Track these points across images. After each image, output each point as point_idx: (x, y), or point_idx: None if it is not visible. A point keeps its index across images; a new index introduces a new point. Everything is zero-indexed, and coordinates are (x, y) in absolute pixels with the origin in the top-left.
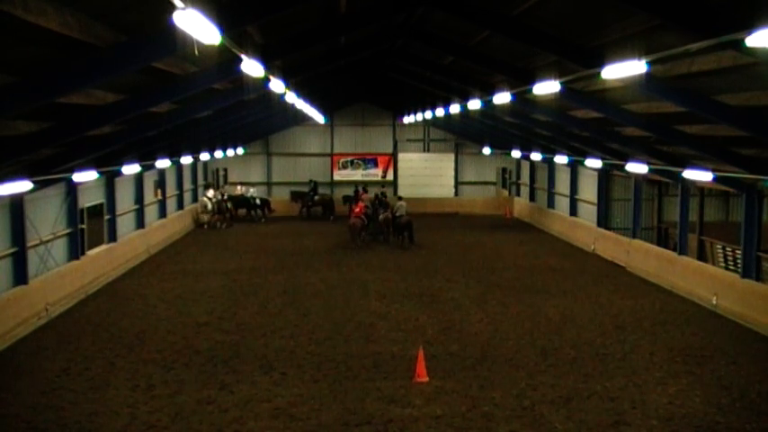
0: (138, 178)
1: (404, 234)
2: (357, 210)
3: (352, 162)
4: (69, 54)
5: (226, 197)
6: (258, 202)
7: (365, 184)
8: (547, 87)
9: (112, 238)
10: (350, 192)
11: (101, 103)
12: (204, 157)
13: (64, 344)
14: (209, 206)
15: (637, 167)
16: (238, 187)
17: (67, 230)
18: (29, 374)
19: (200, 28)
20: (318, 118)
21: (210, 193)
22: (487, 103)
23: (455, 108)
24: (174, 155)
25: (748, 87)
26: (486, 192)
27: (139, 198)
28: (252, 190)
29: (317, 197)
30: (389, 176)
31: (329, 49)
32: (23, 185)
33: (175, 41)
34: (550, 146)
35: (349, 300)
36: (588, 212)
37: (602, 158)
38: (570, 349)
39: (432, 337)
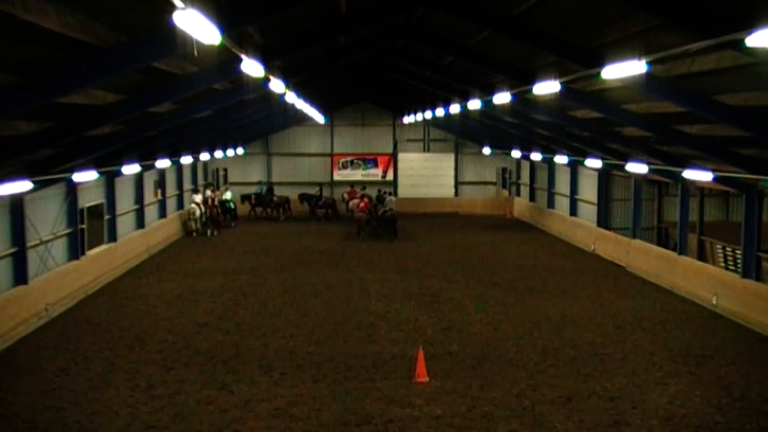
0: (138, 178)
1: (389, 226)
2: (362, 205)
3: (352, 162)
4: (69, 54)
5: (216, 201)
6: (232, 205)
7: (352, 184)
8: (547, 87)
9: (112, 238)
10: (309, 191)
11: (101, 103)
12: (204, 157)
13: (64, 344)
14: (198, 212)
15: (637, 167)
16: (209, 191)
17: (67, 230)
18: (29, 374)
19: (200, 28)
20: (318, 118)
21: (199, 197)
22: (487, 103)
23: (455, 108)
24: (174, 155)
25: (748, 87)
26: (486, 192)
27: (139, 198)
28: (227, 193)
29: (275, 198)
30: (389, 176)
31: (329, 49)
32: (23, 185)
33: (175, 41)
34: (550, 146)
35: (349, 300)
36: (588, 212)
37: (602, 158)
38: (570, 349)
39: (432, 337)
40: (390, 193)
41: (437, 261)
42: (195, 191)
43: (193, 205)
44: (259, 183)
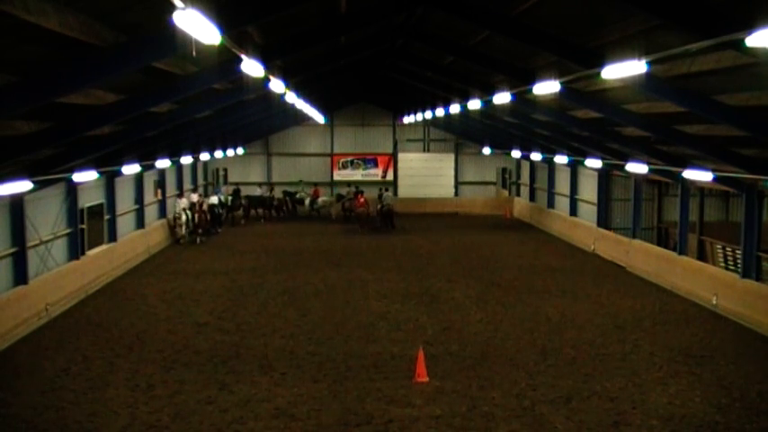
0: (138, 178)
1: (386, 219)
2: (362, 201)
3: (352, 162)
4: (69, 54)
5: (205, 206)
6: (219, 210)
7: (316, 183)
8: (547, 87)
9: (112, 238)
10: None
11: (101, 103)
12: (204, 157)
13: (64, 344)
14: (184, 218)
15: (637, 167)
16: (195, 195)
17: (67, 230)
18: (29, 374)
19: (200, 28)
20: (318, 118)
21: (185, 202)
22: (487, 103)
23: (455, 108)
24: (174, 155)
25: (748, 87)
26: (486, 192)
27: (139, 198)
28: (213, 198)
29: (243, 201)
30: (389, 176)
31: (329, 49)
32: (23, 185)
33: (175, 41)
34: (550, 146)
35: (349, 300)
36: (588, 212)
37: (602, 158)
38: (570, 349)
39: (432, 337)
40: (387, 190)
41: (437, 261)
42: (180, 194)
43: (179, 209)
44: (216, 186)
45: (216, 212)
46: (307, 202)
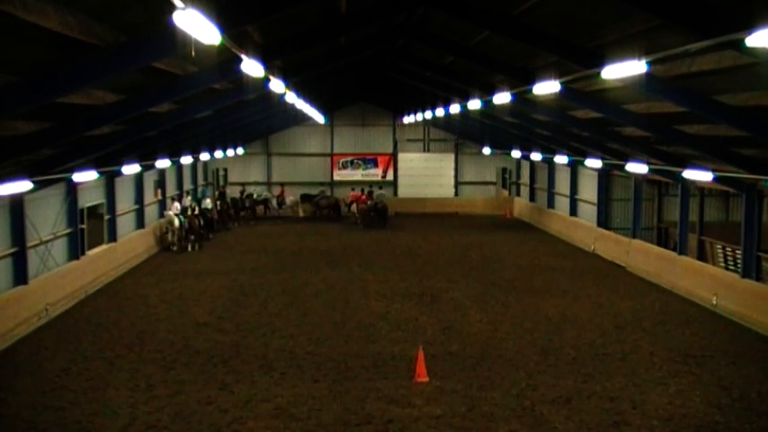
0: (138, 178)
1: (380, 217)
2: (363, 198)
3: (352, 162)
4: (69, 54)
5: (197, 211)
6: (211, 215)
7: (282, 184)
8: (547, 87)
9: (112, 238)
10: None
11: (101, 103)
12: (204, 157)
13: (64, 344)
14: (176, 223)
15: (637, 167)
16: (187, 200)
17: (67, 230)
18: (29, 374)
19: (200, 28)
20: (318, 118)
21: (177, 206)
22: (487, 103)
23: (455, 108)
24: (174, 155)
25: (748, 87)
26: (486, 192)
27: (139, 198)
28: (207, 201)
29: (229, 203)
30: (389, 176)
31: (329, 49)
32: (23, 185)
33: (175, 41)
34: (550, 146)
35: (349, 300)
36: (588, 212)
37: (602, 158)
38: (570, 349)
39: (432, 337)
40: (381, 188)
41: (437, 261)
42: (173, 198)
43: (171, 214)
44: (204, 188)
45: (208, 217)
46: (274, 203)
